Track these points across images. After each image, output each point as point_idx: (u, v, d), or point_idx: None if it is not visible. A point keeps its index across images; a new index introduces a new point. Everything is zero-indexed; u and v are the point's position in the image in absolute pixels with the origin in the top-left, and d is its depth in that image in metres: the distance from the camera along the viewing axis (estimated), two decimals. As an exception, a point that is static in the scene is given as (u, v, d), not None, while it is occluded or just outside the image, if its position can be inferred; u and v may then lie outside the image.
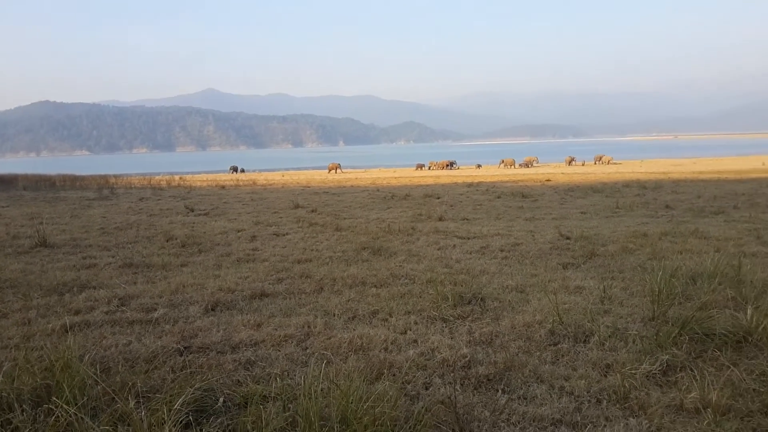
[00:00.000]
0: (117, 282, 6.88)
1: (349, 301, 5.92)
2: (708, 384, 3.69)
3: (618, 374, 3.92)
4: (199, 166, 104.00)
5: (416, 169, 58.36)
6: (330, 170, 57.48)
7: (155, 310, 5.71)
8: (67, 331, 5.03)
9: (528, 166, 58.38)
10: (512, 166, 57.66)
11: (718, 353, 4.20)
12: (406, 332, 4.92)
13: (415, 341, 4.70)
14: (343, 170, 59.12)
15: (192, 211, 15.22)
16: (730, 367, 3.95)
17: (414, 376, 4.02)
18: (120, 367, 4.16)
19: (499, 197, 18.95)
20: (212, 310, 5.76)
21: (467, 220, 12.96)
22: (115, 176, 36.20)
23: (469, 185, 26.10)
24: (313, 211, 15.13)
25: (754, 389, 3.68)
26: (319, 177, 43.24)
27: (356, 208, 16.30)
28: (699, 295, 5.53)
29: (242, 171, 65.85)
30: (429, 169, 58.31)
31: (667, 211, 14.18)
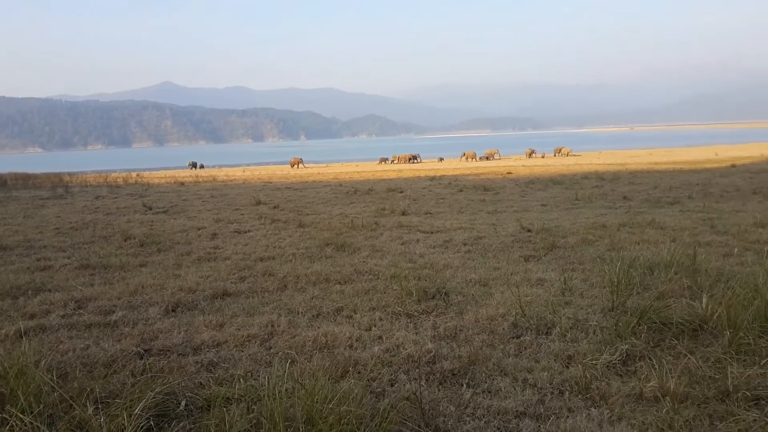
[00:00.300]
0: (73, 284, 6.71)
1: (313, 298, 5.89)
2: (666, 372, 3.79)
3: (579, 365, 3.99)
4: (157, 162, 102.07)
5: (379, 162, 58.34)
6: (292, 165, 57.05)
7: (113, 312, 5.59)
8: (22, 336, 4.89)
9: (489, 159, 58.95)
10: (473, 159, 58.12)
11: (676, 342, 4.32)
12: (370, 329, 4.93)
13: (380, 338, 4.71)
14: (305, 165, 58.75)
15: (150, 209, 14.94)
16: (687, 355, 4.06)
17: (379, 373, 4.02)
18: (78, 372, 4.06)
19: (461, 191, 19.09)
20: (173, 311, 5.66)
21: (430, 214, 13.03)
22: (70, 174, 35.23)
23: (432, 179, 26.23)
24: (275, 207, 15.01)
25: (710, 376, 3.80)
26: (281, 172, 42.87)
27: (319, 203, 16.23)
28: (656, 285, 5.67)
29: (202, 167, 64.90)
30: (392, 162, 58.39)
31: (624, 202, 14.50)
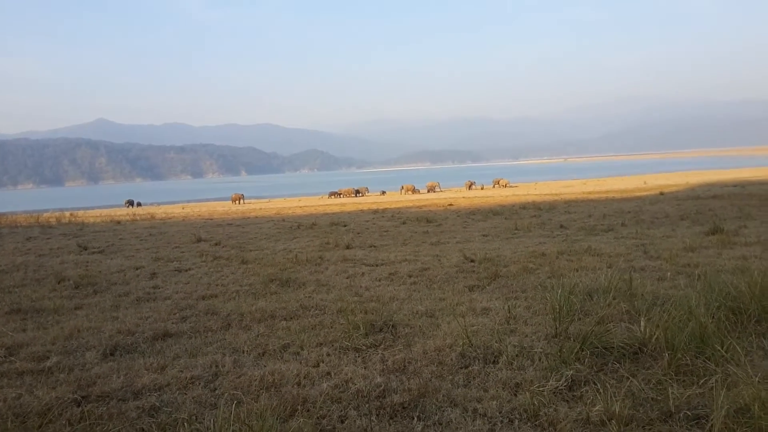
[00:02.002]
0: (3, 330, 6.36)
1: (258, 336, 5.78)
2: (611, 396, 3.87)
3: (527, 392, 4.03)
4: (92, 200, 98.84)
5: (330, 197, 58.34)
6: (233, 201, 56.37)
7: (48, 358, 5.31)
8: (-55, 389, 4.58)
9: (431, 192, 59.79)
10: (412, 192, 58.79)
11: (618, 365, 4.42)
12: (318, 365, 4.85)
13: (329, 373, 4.64)
14: (246, 201, 58.08)
15: (85, 249, 14.40)
16: (629, 378, 4.16)
17: (329, 410, 3.95)
18: (9, 423, 3.82)
19: (404, 223, 19.24)
20: (111, 354, 5.44)
21: (374, 247, 13.06)
22: (-2, 215, 33.68)
23: (375, 212, 26.36)
24: (216, 244, 14.75)
25: (652, 398, 3.90)
26: (222, 208, 42.25)
27: (262, 239, 16.05)
28: (596, 310, 5.82)
29: (139, 205, 63.35)
30: (340, 196, 58.58)
31: (562, 230, 14.91)
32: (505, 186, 60.79)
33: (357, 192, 60.79)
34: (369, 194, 61.47)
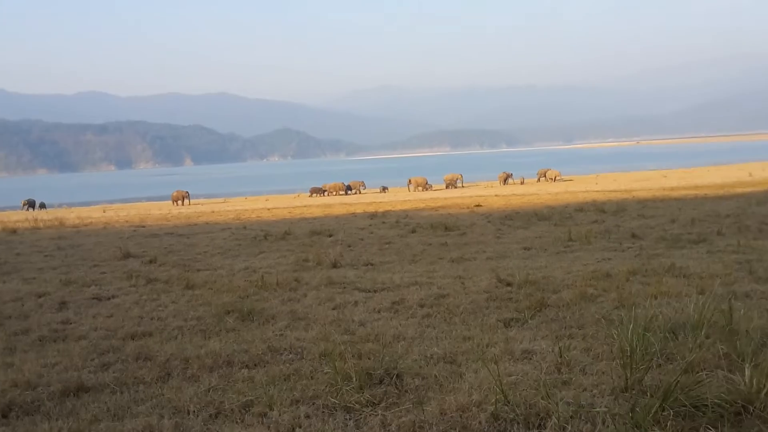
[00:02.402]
0: None
1: (210, 390, 5.77)
2: (703, 474, 3.85)
3: (587, 469, 4.02)
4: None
5: (311, 195, 58.34)
6: (174, 201, 56.41)
7: None
8: None
9: (450, 187, 59.88)
10: (424, 188, 58.83)
11: (713, 431, 4.41)
12: (294, 431, 4.85)
13: (308, 443, 4.63)
14: (192, 201, 58.17)
15: (-33, 268, 14.41)
16: (728, 449, 4.14)
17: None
18: None
19: (413, 231, 19.24)
20: (4, 417, 5.44)
21: (372, 265, 13.04)
22: None
23: (373, 216, 26.37)
24: (151, 261, 14.74)
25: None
26: (159, 211, 42.25)
27: (215, 254, 16.04)
28: (682, 353, 5.80)
29: (42, 207, 63.39)
30: (325, 194, 58.58)
31: (634, 241, 14.90)
32: (555, 179, 60.91)
33: (348, 188, 60.88)
34: (365, 191, 61.59)
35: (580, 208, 24.10)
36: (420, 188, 59.28)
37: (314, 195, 58.53)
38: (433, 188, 60.18)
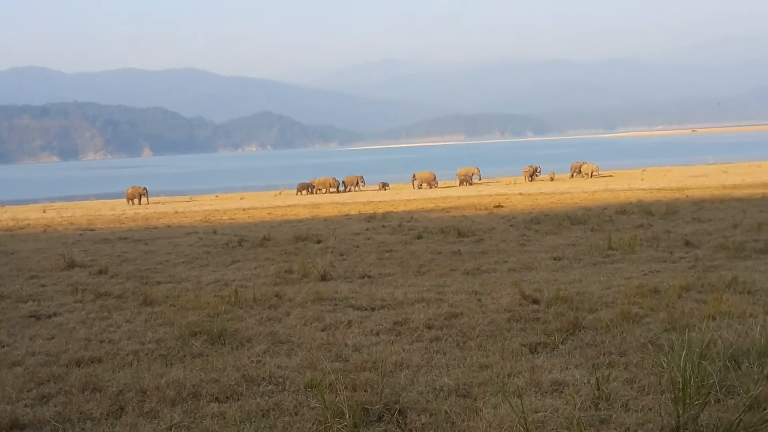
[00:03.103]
0: None
1: (171, 428, 5.78)
2: None
3: None
4: None
5: (298, 193, 58.23)
6: (130, 200, 56.39)
7: None
8: None
9: (465, 183, 59.82)
10: (430, 184, 58.73)
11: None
12: (273, 477, 4.85)
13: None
14: (152, 199, 58.14)
15: None
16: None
17: None
18: None
19: (420, 237, 19.24)
20: None
21: (369, 277, 13.05)
22: None
23: (371, 218, 26.38)
24: (101, 272, 14.75)
25: None
26: (111, 212, 42.29)
27: (178, 264, 16.05)
28: (746, 386, 5.79)
29: (-31, 205, 63.32)
30: (316, 192, 58.46)
31: (687, 250, 14.88)
32: (592, 175, 60.79)
33: (342, 185, 60.84)
34: (362, 188, 61.55)
35: (623, 210, 24.07)
36: (426, 185, 59.11)
37: (302, 192, 58.37)
38: (443, 186, 60.12)
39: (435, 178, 60.22)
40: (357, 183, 61.85)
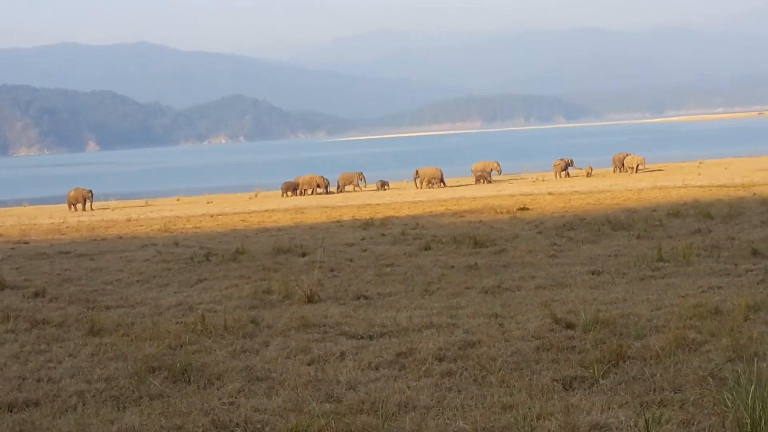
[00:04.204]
0: None
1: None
2: None
3: None
4: None
5: (284, 194, 58.09)
6: (72, 205, 56.36)
7: None
8: None
9: (483, 181, 59.79)
10: (437, 184, 58.62)
11: None
12: None
13: None
14: (98, 204, 58.16)
15: None
16: None
17: None
18: None
19: (427, 248, 19.24)
20: None
21: (366, 298, 13.06)
22: None
23: (367, 225, 26.38)
24: (37, 294, 14.74)
25: None
26: (49, 220, 42.29)
27: (132, 284, 16.05)
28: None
29: None
30: (301, 193, 58.38)
31: (755, 261, 14.89)
32: (637, 169, 60.76)
33: (337, 185, 60.80)
34: (358, 189, 61.50)
35: (675, 212, 24.08)
36: (434, 184, 58.95)
37: (288, 194, 58.21)
38: (455, 184, 60.07)
39: (442, 176, 60.03)
40: (356, 182, 61.66)
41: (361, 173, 62.54)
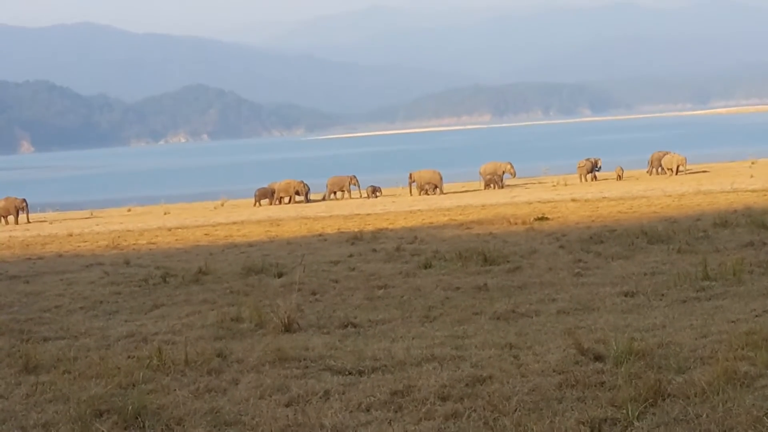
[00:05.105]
0: None
1: None
2: None
3: None
4: None
5: (256, 203, 58.13)
6: (3, 217, 56.45)
7: None
8: None
9: (493, 186, 59.88)
10: (434, 190, 58.66)
11: None
12: None
13: None
14: (34, 216, 58.21)
15: None
16: None
17: None
18: None
19: (427, 265, 19.25)
20: None
21: (355, 326, 13.06)
22: None
23: (355, 239, 26.42)
24: (-40, 324, 14.74)
25: None
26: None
27: (75, 311, 16.07)
28: None
29: None
30: (278, 202, 58.42)
31: (818, 280, 14.89)
32: (677, 171, 60.92)
33: (327, 192, 60.92)
34: (347, 195, 61.58)
35: (723, 221, 24.09)
36: (432, 190, 58.97)
37: (260, 203, 58.23)
38: (460, 189, 60.14)
39: (441, 180, 60.01)
40: (347, 187, 61.69)
41: (354, 177, 62.57)
